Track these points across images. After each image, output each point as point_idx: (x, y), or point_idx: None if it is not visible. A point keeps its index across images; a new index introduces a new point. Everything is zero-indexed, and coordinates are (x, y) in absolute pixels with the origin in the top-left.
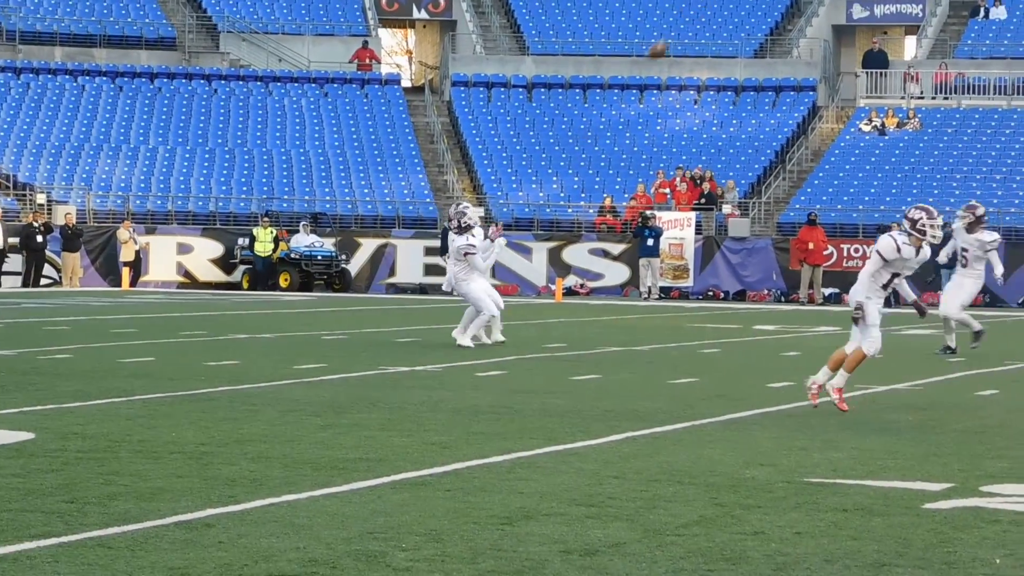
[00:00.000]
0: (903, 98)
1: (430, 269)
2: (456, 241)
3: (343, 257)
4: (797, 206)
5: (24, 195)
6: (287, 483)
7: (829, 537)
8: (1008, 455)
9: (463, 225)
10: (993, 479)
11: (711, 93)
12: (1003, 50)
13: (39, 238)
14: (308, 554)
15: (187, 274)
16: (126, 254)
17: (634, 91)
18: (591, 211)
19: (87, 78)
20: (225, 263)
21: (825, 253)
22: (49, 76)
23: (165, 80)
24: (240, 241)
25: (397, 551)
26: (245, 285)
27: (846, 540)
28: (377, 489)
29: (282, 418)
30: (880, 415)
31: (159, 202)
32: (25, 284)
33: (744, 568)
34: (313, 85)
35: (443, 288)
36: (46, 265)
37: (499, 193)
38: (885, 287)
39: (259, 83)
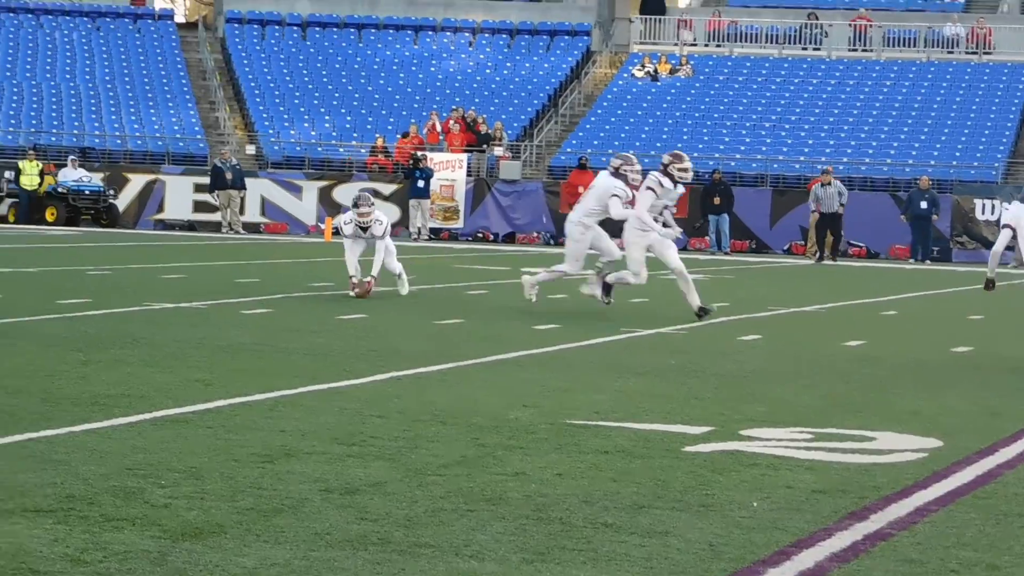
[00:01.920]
0: (676, 45)
1: (199, 206)
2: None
3: (111, 192)
4: (568, 150)
5: None
6: (44, 418)
7: (589, 479)
8: (767, 399)
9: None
10: (752, 423)
11: (486, 35)
12: None
13: None
14: (65, 490)
15: None
16: None
17: (409, 32)
18: (363, 151)
19: None
20: None
21: None
22: None
23: None
24: (6, 174)
25: (156, 488)
26: (11, 219)
27: (606, 482)
28: (137, 425)
29: (42, 353)
30: (643, 358)
31: None
32: None
33: (504, 508)
34: (85, 18)
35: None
36: None
37: (271, 131)
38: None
39: (30, 15)
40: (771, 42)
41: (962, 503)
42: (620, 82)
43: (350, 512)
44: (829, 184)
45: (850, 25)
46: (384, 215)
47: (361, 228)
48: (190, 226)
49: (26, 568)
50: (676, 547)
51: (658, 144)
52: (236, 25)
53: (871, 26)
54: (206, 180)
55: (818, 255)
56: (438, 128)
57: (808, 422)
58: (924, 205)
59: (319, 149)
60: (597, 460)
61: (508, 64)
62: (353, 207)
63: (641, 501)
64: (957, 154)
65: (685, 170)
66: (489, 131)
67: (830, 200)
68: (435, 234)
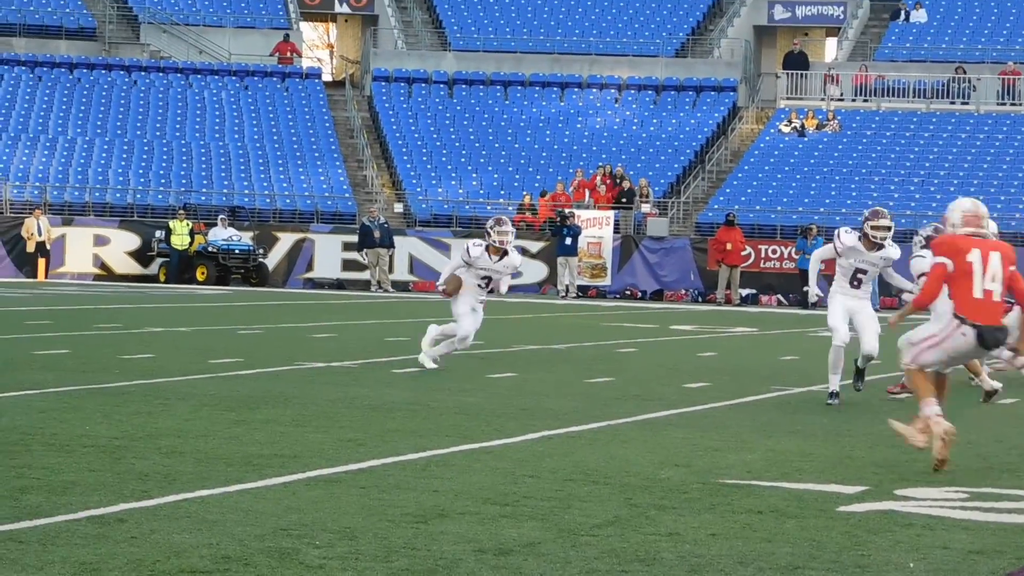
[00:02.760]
0: (823, 100)
1: (348, 264)
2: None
3: (260, 251)
4: (716, 206)
5: None
6: (199, 478)
7: (743, 539)
8: (922, 458)
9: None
10: (907, 482)
11: (632, 92)
12: (923, 53)
13: None
14: (220, 550)
15: (103, 266)
16: (30, 245)
17: (555, 89)
18: (510, 208)
19: (6, 67)
20: (142, 255)
21: (743, 254)
22: None
23: (84, 71)
24: (157, 234)
25: (310, 548)
26: (162, 278)
27: (759, 542)
28: (291, 485)
29: (195, 413)
30: (794, 416)
31: (76, 193)
32: None
33: (658, 569)
34: (233, 78)
35: None
36: None
37: (418, 189)
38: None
39: (179, 75)
40: (919, 96)
41: None
42: (767, 138)
43: (504, 573)
44: None
45: (998, 78)
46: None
47: (494, 253)
48: (339, 285)
49: None
50: None
51: (805, 200)
52: (383, 83)
53: (1019, 79)
54: (355, 239)
55: None
56: (587, 182)
57: (964, 482)
58: None
59: (466, 207)
60: (750, 520)
61: (654, 120)
62: (491, 227)
63: (796, 562)
64: None
65: (878, 228)
66: (634, 187)
67: None
68: (583, 292)
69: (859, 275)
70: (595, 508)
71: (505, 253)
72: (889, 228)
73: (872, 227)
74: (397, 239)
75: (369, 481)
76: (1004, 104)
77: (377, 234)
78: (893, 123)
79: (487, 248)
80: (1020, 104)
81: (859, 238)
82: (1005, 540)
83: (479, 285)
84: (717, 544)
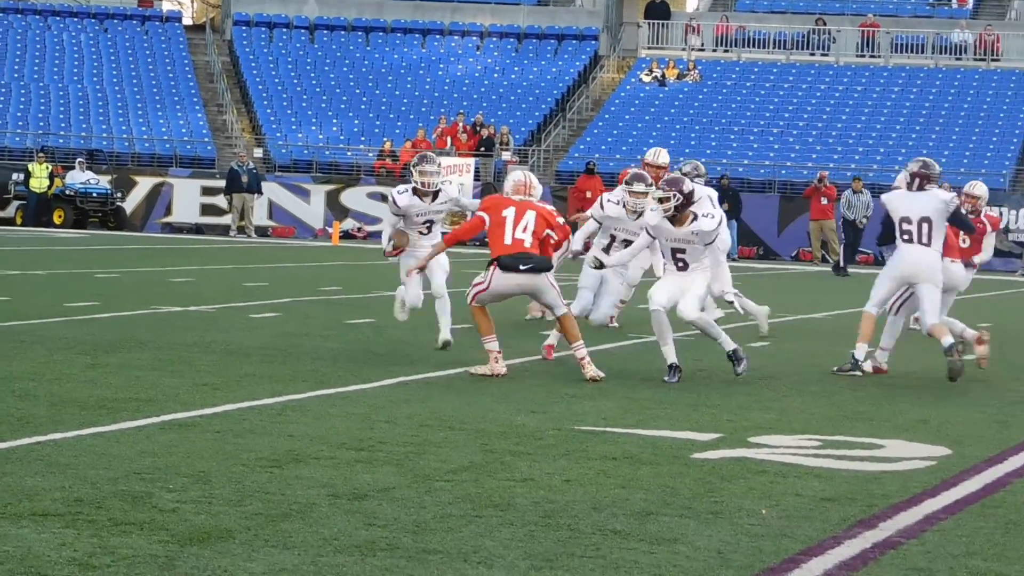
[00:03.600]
0: (684, 49)
1: (206, 209)
2: None
3: (118, 195)
4: (576, 155)
5: None
6: (52, 422)
7: (597, 485)
8: (775, 406)
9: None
10: (760, 430)
11: (493, 39)
12: (783, 4)
13: None
14: (73, 493)
15: None
16: None
17: (416, 35)
18: (370, 155)
19: None
20: None
21: None
22: None
23: None
24: (14, 176)
25: (164, 492)
26: (19, 221)
27: (614, 488)
28: (145, 429)
29: (50, 356)
30: (651, 365)
31: None
32: None
33: (512, 514)
34: (92, 20)
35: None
36: None
37: (278, 135)
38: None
39: (38, 17)
40: (779, 47)
41: (971, 511)
42: (628, 87)
43: (358, 518)
44: (860, 192)
45: (858, 31)
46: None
47: (423, 195)
48: (197, 229)
49: (34, 572)
50: (685, 554)
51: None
52: (244, 28)
53: (879, 32)
54: (213, 183)
55: (839, 261)
56: (449, 129)
57: (817, 429)
58: None
59: (327, 153)
60: (605, 466)
61: (516, 68)
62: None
63: (649, 508)
64: (965, 161)
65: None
66: (495, 135)
67: (862, 208)
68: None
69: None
70: (450, 454)
71: (438, 193)
72: (645, 195)
73: (630, 192)
74: None
75: (224, 425)
76: (863, 56)
77: (245, 179)
78: (753, 74)
79: (414, 192)
80: (879, 56)
81: (622, 204)
82: (857, 488)
83: (421, 233)
84: (571, 490)
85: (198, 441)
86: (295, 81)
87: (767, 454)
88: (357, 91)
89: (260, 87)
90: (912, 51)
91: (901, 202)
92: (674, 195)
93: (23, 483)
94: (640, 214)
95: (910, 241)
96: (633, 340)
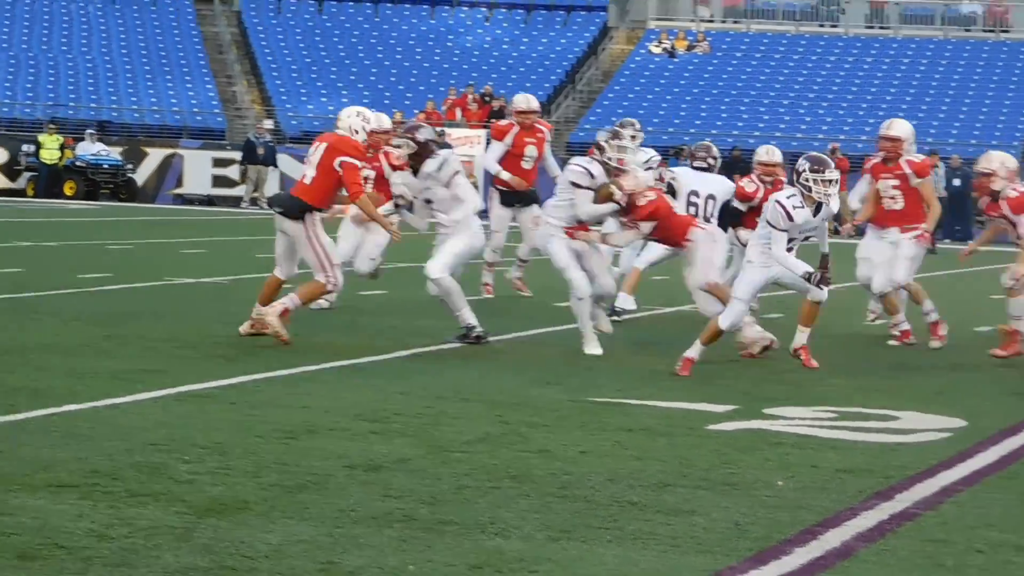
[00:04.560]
0: (693, 21)
1: (218, 180)
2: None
3: (129, 166)
4: (587, 126)
5: None
6: (69, 393)
7: (613, 456)
8: (790, 379)
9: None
10: (776, 402)
11: (502, 11)
12: None
13: None
14: (89, 465)
15: None
16: None
17: (425, 6)
18: None
19: None
20: (9, 169)
21: None
22: None
23: None
24: (25, 147)
25: (180, 463)
26: (30, 192)
27: (629, 459)
28: (160, 400)
29: (64, 328)
30: (666, 336)
31: None
32: None
33: (528, 486)
34: None
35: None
36: None
37: (288, 106)
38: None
39: None
40: (788, 18)
41: (987, 483)
42: (637, 58)
43: (374, 489)
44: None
45: (867, 2)
46: None
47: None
48: (209, 201)
49: (51, 543)
50: (702, 525)
51: (676, 121)
52: None
53: (888, 3)
54: (225, 155)
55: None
56: (459, 100)
57: (832, 401)
58: (957, 183)
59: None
60: (621, 438)
61: (524, 39)
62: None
63: (666, 479)
64: (976, 133)
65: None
66: (505, 106)
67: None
68: None
69: None
70: (466, 425)
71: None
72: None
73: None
74: None
75: (239, 397)
76: (872, 27)
77: (261, 151)
78: (762, 45)
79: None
80: (888, 27)
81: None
82: (873, 459)
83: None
84: (587, 461)
85: (213, 412)
86: (304, 52)
87: (783, 426)
88: (366, 62)
89: (269, 58)
90: (921, 22)
91: None
92: (407, 143)
93: (39, 454)
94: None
95: None
96: (648, 311)
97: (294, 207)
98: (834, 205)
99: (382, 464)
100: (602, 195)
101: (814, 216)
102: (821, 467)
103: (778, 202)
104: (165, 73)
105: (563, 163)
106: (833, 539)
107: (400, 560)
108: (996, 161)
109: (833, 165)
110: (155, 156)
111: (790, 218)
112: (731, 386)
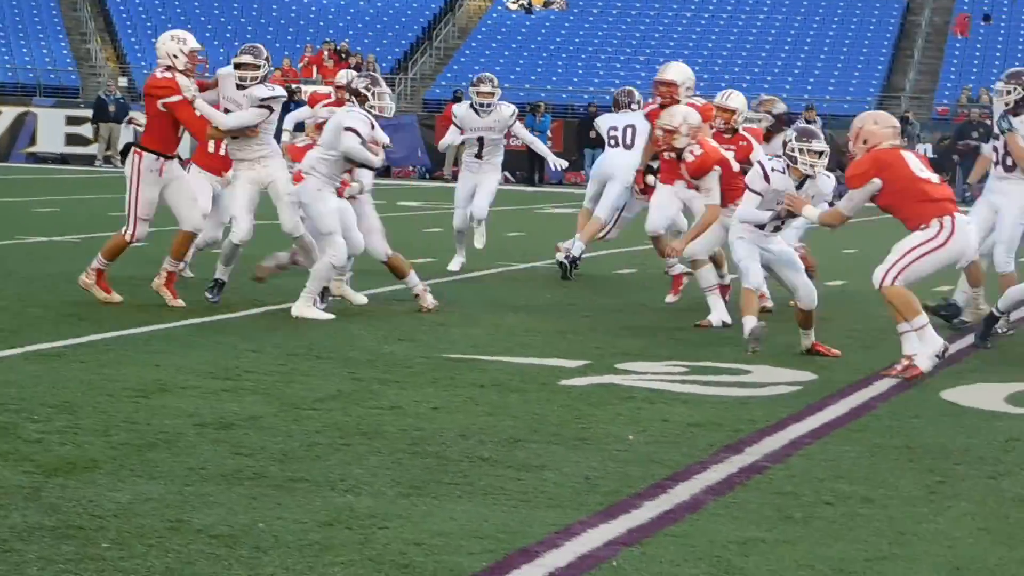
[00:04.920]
0: None
1: (72, 139)
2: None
3: None
4: (443, 83)
5: None
6: None
7: (465, 412)
8: (643, 334)
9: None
10: (628, 357)
11: None
12: None
13: None
14: None
15: None
16: None
17: None
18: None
19: None
20: None
21: None
22: None
23: None
24: None
25: (28, 423)
26: None
27: (482, 415)
28: (8, 360)
29: None
30: (518, 292)
31: None
32: None
33: (380, 442)
34: None
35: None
36: None
37: (143, 63)
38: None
39: None
40: None
41: (836, 435)
42: (494, 14)
43: (225, 447)
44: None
45: None
46: None
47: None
48: (63, 159)
49: None
50: (552, 480)
51: (533, 77)
52: None
53: None
54: (78, 112)
55: None
56: (315, 57)
57: (683, 356)
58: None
59: None
60: (473, 394)
61: None
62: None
63: (517, 435)
64: (830, 88)
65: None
66: (362, 63)
67: None
68: None
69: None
70: (318, 382)
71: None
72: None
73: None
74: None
75: (89, 356)
76: None
77: (112, 108)
78: (619, 1)
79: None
80: None
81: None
82: (723, 413)
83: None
84: (440, 417)
85: (63, 371)
86: (159, 9)
87: (634, 380)
88: (222, 20)
89: (124, 15)
90: None
91: None
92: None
93: None
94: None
95: None
96: (501, 268)
97: (125, 149)
98: (823, 182)
99: (233, 422)
100: None
101: (797, 189)
102: (672, 421)
103: (759, 162)
104: (18, 30)
105: (419, 119)
106: (683, 492)
107: (250, 518)
108: (679, 116)
109: (823, 137)
110: (8, 114)
111: (767, 179)
112: (584, 342)
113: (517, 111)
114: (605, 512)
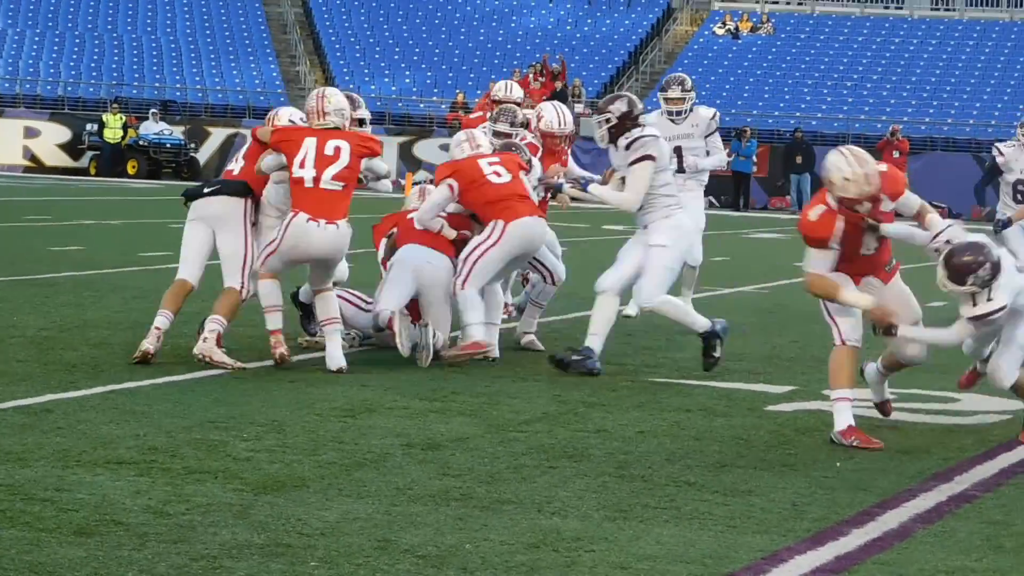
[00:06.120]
0: (757, 2)
1: None
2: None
3: (192, 145)
4: (649, 108)
5: None
6: (128, 370)
7: (671, 436)
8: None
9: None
10: None
11: None
12: None
13: None
14: (148, 442)
15: (33, 158)
16: None
17: None
18: (443, 106)
19: None
20: (73, 148)
21: None
22: None
23: None
24: (88, 127)
25: (238, 440)
26: (92, 171)
27: (688, 440)
28: (220, 378)
29: (125, 305)
30: (725, 317)
31: (7, 85)
32: None
33: (586, 465)
34: None
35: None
36: None
37: (352, 86)
38: None
39: None
40: (853, 1)
41: None
42: (701, 40)
43: (432, 467)
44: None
45: None
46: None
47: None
48: None
49: (110, 520)
50: (759, 506)
51: (739, 102)
52: None
53: None
54: None
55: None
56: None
57: (893, 383)
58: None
59: (399, 104)
60: (679, 418)
61: (588, 20)
62: None
63: (724, 460)
64: None
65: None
66: (568, 87)
67: None
68: None
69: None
70: (524, 405)
71: None
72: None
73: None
74: None
75: (298, 375)
76: (938, 9)
77: None
78: (827, 27)
79: None
80: (953, 10)
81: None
82: (932, 440)
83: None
84: (645, 441)
85: (272, 390)
86: (368, 32)
87: None
88: (430, 43)
89: (333, 38)
90: (987, 4)
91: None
92: None
93: (99, 431)
94: None
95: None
96: (707, 292)
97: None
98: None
99: (440, 443)
100: None
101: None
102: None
103: None
104: (229, 53)
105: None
106: (891, 520)
107: (457, 538)
108: None
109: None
110: (218, 135)
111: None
112: (790, 367)
113: (718, 113)
114: (812, 539)
